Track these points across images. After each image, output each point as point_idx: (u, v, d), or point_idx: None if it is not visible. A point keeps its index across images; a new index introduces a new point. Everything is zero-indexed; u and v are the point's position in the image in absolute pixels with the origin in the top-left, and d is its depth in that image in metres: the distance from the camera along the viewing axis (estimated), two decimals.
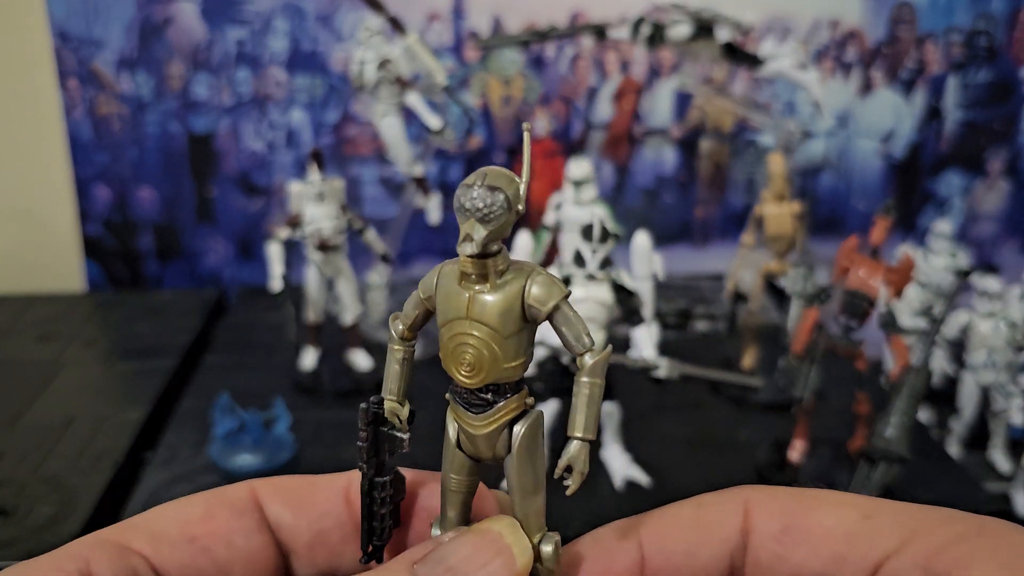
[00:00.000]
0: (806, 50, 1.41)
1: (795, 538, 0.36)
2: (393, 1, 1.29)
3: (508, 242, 0.40)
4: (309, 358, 1.25)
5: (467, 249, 0.34)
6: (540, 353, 0.96)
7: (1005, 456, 1.21)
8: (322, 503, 0.41)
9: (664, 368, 0.97)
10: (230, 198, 1.60)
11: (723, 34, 1.30)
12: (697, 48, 1.31)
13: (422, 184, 1.36)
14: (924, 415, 1.27)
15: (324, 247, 1.18)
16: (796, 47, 1.33)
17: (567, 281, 0.95)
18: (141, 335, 1.39)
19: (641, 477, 1.02)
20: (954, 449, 1.24)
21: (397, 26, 1.27)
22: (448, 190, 1.60)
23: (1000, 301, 1.19)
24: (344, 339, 1.27)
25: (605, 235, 0.94)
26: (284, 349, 1.29)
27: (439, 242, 1.64)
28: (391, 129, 1.29)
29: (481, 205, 0.34)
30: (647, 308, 0.99)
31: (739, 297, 1.31)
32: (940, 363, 1.31)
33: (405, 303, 0.39)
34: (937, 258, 1.27)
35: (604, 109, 1.60)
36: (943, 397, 1.29)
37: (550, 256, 1.31)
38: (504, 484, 0.39)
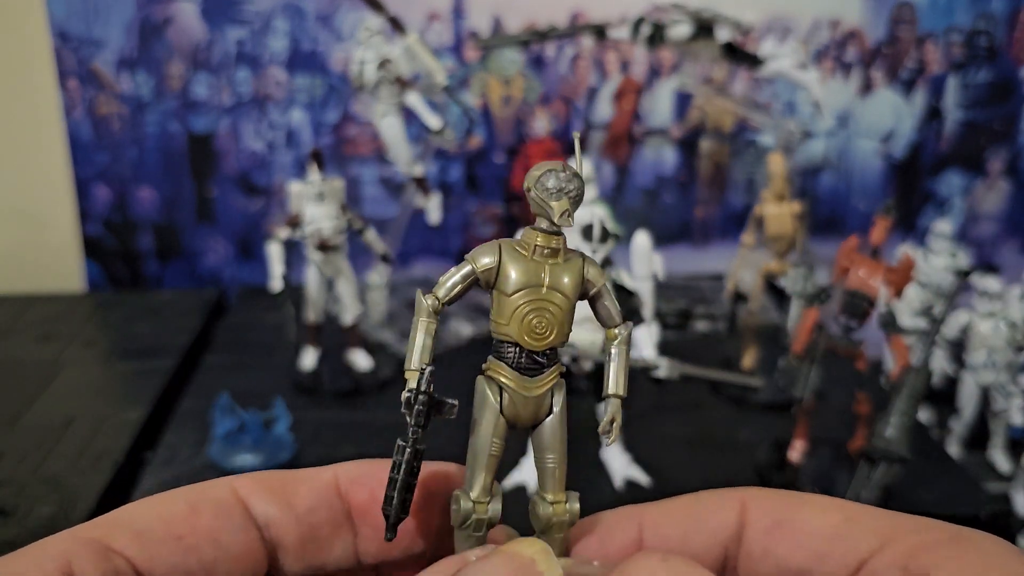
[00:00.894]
0: (806, 50, 1.41)
1: (782, 534, 0.39)
2: (393, 1, 1.29)
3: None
4: (309, 358, 1.25)
5: (567, 222, 0.39)
6: None
7: (1005, 456, 1.21)
8: (309, 497, 0.40)
9: (664, 368, 0.97)
10: (230, 198, 1.60)
11: (723, 34, 1.30)
12: (697, 48, 1.31)
13: (422, 184, 1.35)
14: (924, 415, 1.27)
15: (324, 247, 1.18)
16: (796, 47, 1.33)
17: None
18: (141, 335, 1.39)
19: (641, 477, 1.02)
20: (954, 449, 1.24)
21: (397, 26, 1.27)
22: (448, 190, 1.60)
23: (1000, 301, 1.19)
24: (344, 339, 1.27)
25: (605, 235, 0.94)
26: (284, 349, 1.29)
27: (439, 242, 1.64)
28: (391, 129, 1.29)
29: (572, 186, 0.39)
30: (647, 308, 0.99)
31: (739, 297, 1.31)
32: (940, 363, 1.31)
33: (443, 279, 0.41)
34: (937, 258, 1.27)
35: (604, 109, 1.60)
36: (943, 397, 1.29)
37: None
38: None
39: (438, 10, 1.53)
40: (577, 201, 0.39)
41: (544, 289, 0.40)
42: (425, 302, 0.40)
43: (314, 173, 1.16)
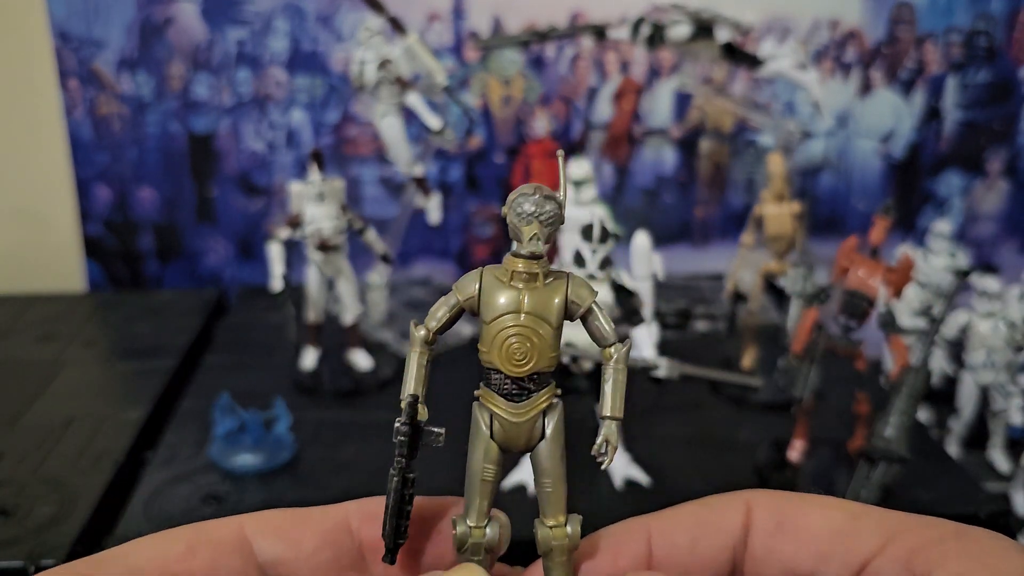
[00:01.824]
0: (806, 50, 1.41)
1: (786, 534, 0.39)
2: (393, 1, 1.29)
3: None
4: (309, 358, 1.25)
5: (536, 247, 0.39)
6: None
7: (1004, 456, 1.21)
8: (318, 536, 0.40)
9: (664, 368, 0.97)
10: (230, 198, 1.60)
11: (723, 34, 1.30)
12: (697, 48, 1.32)
13: (422, 184, 1.36)
14: (924, 415, 1.27)
15: (324, 247, 1.18)
16: (796, 47, 1.33)
17: None
18: (141, 335, 1.39)
19: (641, 476, 1.02)
20: (953, 449, 1.24)
21: (397, 26, 1.27)
22: (448, 190, 1.60)
23: (999, 301, 1.19)
24: (344, 339, 1.27)
25: (605, 235, 0.94)
26: (284, 349, 1.30)
27: (439, 242, 1.64)
28: (391, 129, 1.29)
29: (543, 211, 0.39)
30: (647, 308, 0.99)
31: (739, 297, 1.32)
32: (939, 363, 1.31)
33: (433, 309, 0.42)
34: (936, 258, 1.27)
35: (604, 109, 1.60)
36: (943, 397, 1.29)
37: (550, 256, 1.31)
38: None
39: (438, 10, 1.53)
40: (551, 224, 0.39)
41: (522, 315, 0.40)
42: (417, 333, 0.41)
43: (314, 173, 1.16)
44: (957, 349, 1.26)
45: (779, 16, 1.56)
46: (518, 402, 0.41)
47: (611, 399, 0.41)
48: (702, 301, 1.48)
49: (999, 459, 1.21)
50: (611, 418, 0.41)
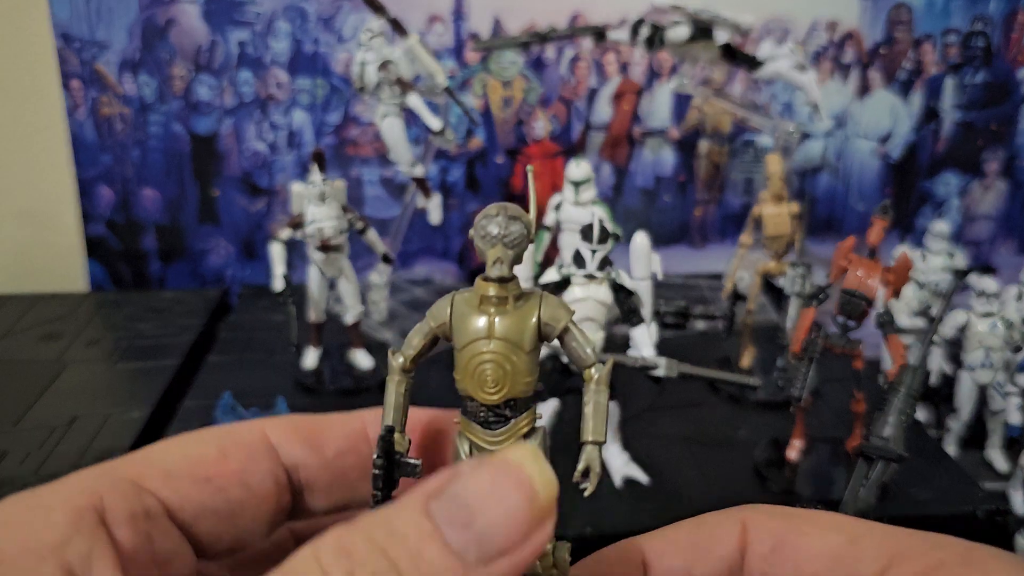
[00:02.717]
0: (804, 51, 1.42)
1: (783, 558, 0.37)
2: (394, 3, 1.30)
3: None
4: (311, 358, 1.26)
5: (499, 271, 0.37)
6: (541, 352, 0.97)
7: (1002, 455, 1.22)
8: (339, 442, 0.40)
9: (663, 367, 0.97)
10: (232, 199, 1.61)
11: (722, 36, 1.30)
12: (696, 50, 1.32)
13: (423, 185, 1.36)
14: (922, 414, 1.27)
15: (326, 247, 1.18)
16: (794, 48, 1.33)
17: (567, 281, 0.95)
18: (144, 335, 1.40)
19: (640, 476, 1.03)
20: (951, 448, 1.24)
21: (398, 28, 1.27)
22: (449, 191, 1.60)
23: (997, 301, 1.19)
24: (345, 338, 1.27)
25: (604, 235, 0.95)
26: (286, 349, 1.30)
27: (440, 242, 1.65)
28: (392, 130, 1.30)
29: (507, 232, 0.37)
30: (646, 308, 1.00)
31: (737, 297, 1.32)
32: (938, 363, 1.32)
33: (408, 336, 0.41)
34: (934, 258, 1.28)
35: (603, 110, 1.61)
36: (941, 396, 1.30)
37: (550, 256, 1.31)
38: None
39: (439, 12, 1.54)
40: (516, 246, 0.37)
41: (493, 341, 0.38)
42: (394, 361, 0.42)
43: (316, 174, 1.16)
44: (955, 349, 1.27)
45: (778, 17, 1.56)
46: (495, 429, 0.39)
47: (592, 423, 0.39)
48: (701, 301, 1.49)
49: (997, 458, 1.21)
50: (593, 443, 0.39)
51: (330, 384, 1.23)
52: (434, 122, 1.27)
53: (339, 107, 1.57)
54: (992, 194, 1.68)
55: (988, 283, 1.20)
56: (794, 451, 1.05)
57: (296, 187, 1.18)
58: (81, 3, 1.49)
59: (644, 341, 0.98)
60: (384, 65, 1.25)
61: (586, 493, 0.39)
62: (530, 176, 0.40)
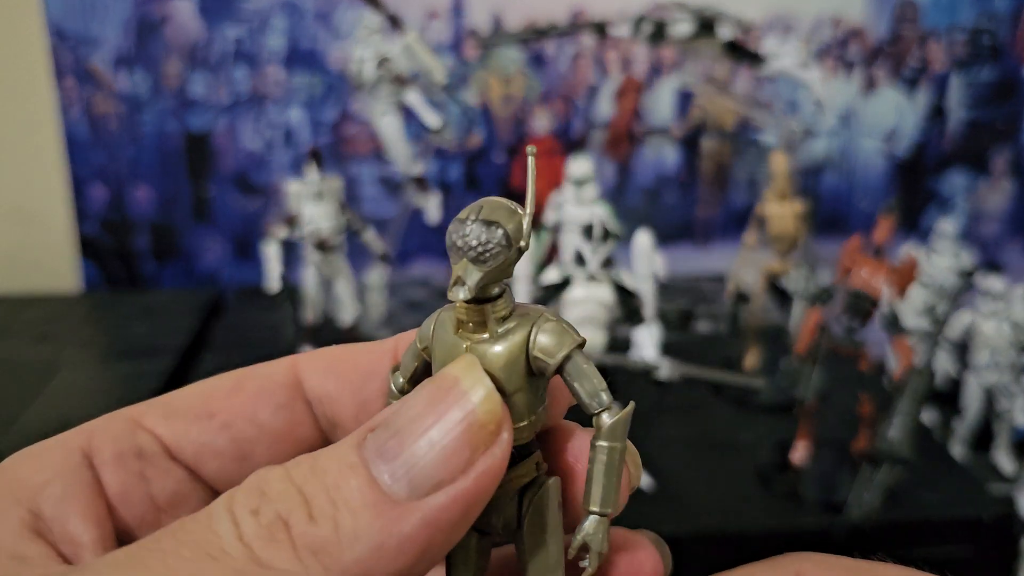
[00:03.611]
0: (808, 48, 1.40)
1: None
2: None
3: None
4: None
5: (458, 294, 0.29)
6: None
7: (1009, 457, 1.20)
8: (366, 367, 0.35)
9: (665, 369, 0.96)
10: (227, 197, 1.59)
11: (725, 32, 1.29)
12: (699, 46, 1.31)
13: (421, 183, 1.35)
14: (928, 416, 1.26)
15: (322, 247, 1.17)
16: (798, 45, 1.32)
17: (567, 282, 0.94)
18: (138, 335, 1.38)
19: (643, 479, 1.01)
20: (958, 450, 1.23)
21: (396, 24, 1.26)
22: (447, 189, 1.59)
23: (1004, 301, 1.18)
24: (342, 339, 1.26)
25: (606, 235, 0.93)
26: (282, 349, 1.29)
27: (439, 242, 1.63)
28: (390, 128, 1.28)
29: (475, 243, 0.29)
30: (648, 308, 0.99)
31: (741, 297, 1.31)
32: (944, 364, 1.30)
33: (403, 354, 0.34)
34: (941, 258, 1.26)
35: (605, 107, 1.59)
36: (947, 398, 1.28)
37: (550, 256, 1.30)
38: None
39: (437, 8, 1.52)
40: (489, 260, 0.29)
41: None
42: (394, 381, 0.33)
43: (312, 172, 1.15)
44: (961, 350, 1.26)
45: (782, 14, 1.55)
46: None
47: (597, 488, 0.31)
48: (704, 301, 1.47)
49: (1004, 461, 1.20)
50: (598, 514, 0.30)
51: None
52: (432, 120, 1.26)
53: (336, 105, 1.56)
54: (999, 193, 1.66)
55: (994, 283, 1.19)
56: (798, 454, 1.04)
57: (292, 186, 1.17)
58: None
59: (646, 342, 0.97)
60: (382, 62, 1.24)
61: (585, 575, 0.31)
62: (530, 160, 0.32)
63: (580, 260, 0.94)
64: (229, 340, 1.38)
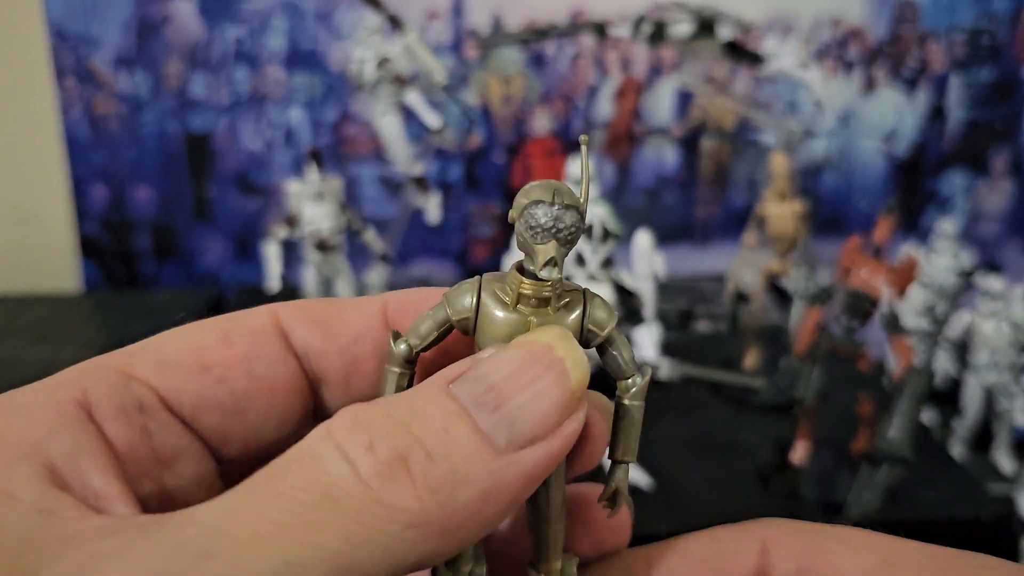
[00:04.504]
0: (808, 48, 1.40)
1: None
2: None
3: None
4: None
5: (552, 274, 0.30)
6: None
7: (1009, 457, 1.20)
8: (355, 326, 0.35)
9: (665, 369, 0.96)
10: (228, 197, 1.59)
11: (724, 32, 1.29)
12: (698, 46, 1.31)
13: (421, 183, 1.35)
14: (927, 416, 1.26)
15: (323, 247, 1.17)
16: (798, 45, 1.32)
17: None
18: (139, 335, 1.37)
19: (642, 479, 1.02)
20: (957, 450, 1.23)
21: (396, 24, 1.26)
22: (447, 189, 1.59)
23: (1003, 301, 1.18)
24: None
25: (606, 235, 0.94)
26: None
27: (438, 242, 1.63)
28: (390, 128, 1.28)
29: (562, 226, 0.30)
30: (648, 308, 0.99)
31: (740, 297, 1.31)
32: (943, 364, 1.30)
33: (416, 322, 0.34)
34: (940, 258, 1.26)
35: (605, 108, 1.59)
36: (946, 398, 1.28)
37: None
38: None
39: (437, 8, 1.52)
40: (571, 242, 0.31)
41: None
42: (396, 348, 0.33)
43: (312, 172, 1.15)
44: (961, 350, 1.26)
45: (781, 14, 1.55)
46: None
47: (624, 439, 0.35)
48: (703, 301, 1.47)
49: (1004, 461, 1.20)
50: (623, 462, 0.35)
51: None
52: (432, 120, 1.26)
53: (336, 105, 1.56)
54: (998, 193, 1.66)
55: (994, 283, 1.19)
56: (798, 454, 1.04)
57: (293, 186, 1.17)
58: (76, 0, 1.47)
59: (646, 342, 0.97)
60: (382, 62, 1.24)
61: (610, 516, 0.36)
62: (584, 149, 0.33)
63: (580, 260, 0.94)
64: None
